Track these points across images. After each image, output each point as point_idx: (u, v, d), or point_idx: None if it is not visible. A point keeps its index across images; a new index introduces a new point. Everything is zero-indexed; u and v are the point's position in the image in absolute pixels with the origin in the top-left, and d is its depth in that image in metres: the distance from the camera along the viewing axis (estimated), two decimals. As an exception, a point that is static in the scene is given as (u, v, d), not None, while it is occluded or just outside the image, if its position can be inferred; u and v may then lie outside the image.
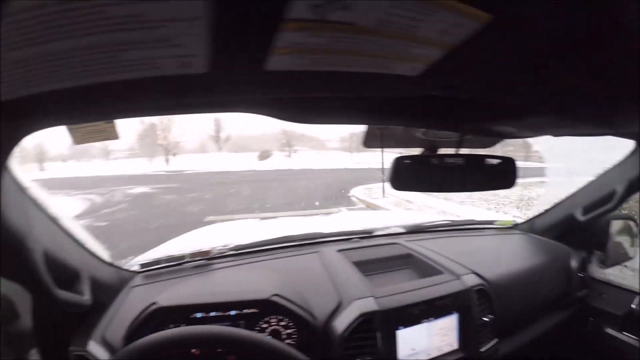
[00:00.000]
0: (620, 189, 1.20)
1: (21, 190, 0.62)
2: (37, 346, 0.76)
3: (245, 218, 1.90)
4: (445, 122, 0.66)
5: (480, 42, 0.32)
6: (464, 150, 0.81)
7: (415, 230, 1.46)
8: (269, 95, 0.50)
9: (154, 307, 0.84)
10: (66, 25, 0.25)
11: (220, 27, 0.27)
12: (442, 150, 0.81)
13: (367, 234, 1.39)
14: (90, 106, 0.45)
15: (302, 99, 0.53)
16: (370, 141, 0.77)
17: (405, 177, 0.75)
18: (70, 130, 0.65)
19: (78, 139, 0.68)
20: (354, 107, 0.57)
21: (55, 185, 12.64)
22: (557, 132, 0.80)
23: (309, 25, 0.28)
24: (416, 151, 0.79)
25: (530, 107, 0.56)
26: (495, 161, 0.80)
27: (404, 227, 1.45)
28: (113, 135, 0.69)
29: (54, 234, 0.75)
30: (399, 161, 0.73)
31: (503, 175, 0.82)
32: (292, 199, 9.03)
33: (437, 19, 0.29)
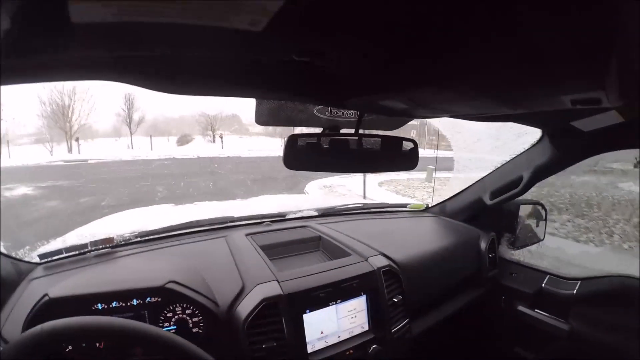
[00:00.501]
0: (527, 175, 1.28)
1: None
2: None
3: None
4: (325, 96, 0.65)
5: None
6: (366, 132, 0.81)
7: (328, 213, 1.47)
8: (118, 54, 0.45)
9: (45, 298, 0.77)
10: None
11: None
12: (344, 131, 0.81)
13: (279, 218, 1.38)
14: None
15: (145, 59, 0.49)
16: (262, 117, 0.75)
17: (300, 156, 0.73)
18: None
19: None
20: (217, 72, 0.54)
21: None
22: (457, 113, 0.82)
23: None
24: (316, 130, 0.77)
25: (425, 82, 0.55)
26: (396, 142, 0.81)
27: (317, 210, 1.45)
28: None
29: None
30: (293, 139, 0.72)
31: (405, 157, 0.83)
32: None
33: None
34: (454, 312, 1.24)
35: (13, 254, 0.97)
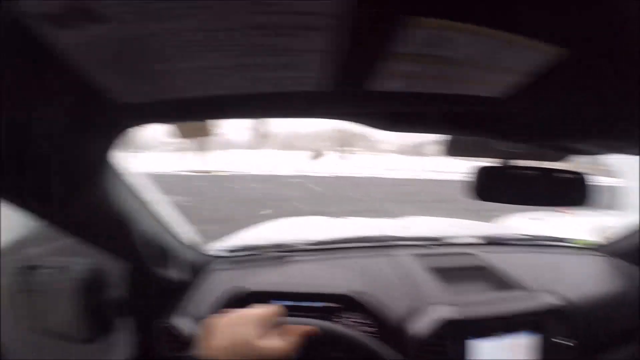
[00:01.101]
0: None
1: (121, 176, 0.69)
2: (128, 315, 0.88)
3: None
4: (524, 135, 0.68)
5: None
6: (534, 163, 0.81)
7: (492, 242, 1.42)
8: (366, 110, 0.56)
9: (239, 290, 0.91)
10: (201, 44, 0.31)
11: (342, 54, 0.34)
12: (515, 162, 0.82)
13: (441, 242, 1.37)
14: (200, 111, 0.50)
15: (398, 112, 0.59)
16: (451, 149, 0.81)
17: (492, 187, 0.76)
18: (178, 127, 0.77)
19: (184, 135, 0.79)
20: (439, 119, 0.62)
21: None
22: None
23: (416, 57, 0.35)
24: (492, 161, 0.80)
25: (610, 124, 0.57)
26: (578, 177, 0.80)
27: (481, 237, 1.42)
28: (210, 132, 0.79)
29: (147, 217, 0.83)
30: (485, 170, 0.76)
31: (581, 192, 0.81)
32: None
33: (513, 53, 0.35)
34: None
35: (197, 246, 1.13)
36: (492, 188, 0.77)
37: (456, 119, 0.62)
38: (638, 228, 1.31)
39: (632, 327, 1.18)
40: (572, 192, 0.82)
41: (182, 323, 0.89)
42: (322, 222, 1.81)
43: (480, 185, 0.76)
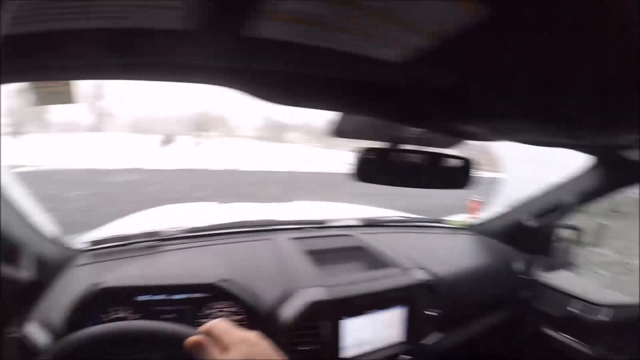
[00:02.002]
0: (570, 200, 1.26)
1: None
2: None
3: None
4: (414, 117, 0.65)
5: (469, 36, 0.32)
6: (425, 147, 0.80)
7: (370, 223, 1.47)
8: (247, 65, 0.46)
9: (95, 287, 0.79)
10: None
11: None
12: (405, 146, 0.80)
13: (322, 224, 1.38)
14: (49, 59, 0.40)
15: (280, 75, 0.50)
16: (339, 130, 0.75)
17: (370, 169, 0.74)
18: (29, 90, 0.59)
19: (37, 100, 0.62)
20: (331, 90, 0.55)
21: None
22: (525, 139, 0.80)
23: None
24: (379, 144, 0.77)
25: (505, 109, 0.55)
26: (455, 161, 0.80)
27: (359, 219, 1.46)
28: (68, 99, 0.63)
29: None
30: (366, 153, 0.72)
31: (460, 175, 0.82)
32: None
33: (428, 6, 0.29)
34: (484, 330, 1.25)
35: (61, 239, 0.98)
36: (372, 170, 0.74)
37: (345, 91, 0.55)
38: (505, 211, 1.46)
39: (498, 297, 1.32)
40: (454, 176, 0.82)
41: (36, 332, 0.75)
42: (203, 208, 1.72)
43: (361, 167, 0.72)
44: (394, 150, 0.75)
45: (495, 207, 1.54)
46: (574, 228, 1.45)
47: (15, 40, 0.32)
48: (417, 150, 0.76)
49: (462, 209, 3.71)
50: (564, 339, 1.29)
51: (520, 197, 1.43)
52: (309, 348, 0.85)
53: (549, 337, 1.32)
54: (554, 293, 1.40)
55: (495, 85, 0.46)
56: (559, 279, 1.44)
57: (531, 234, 1.40)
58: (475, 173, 0.84)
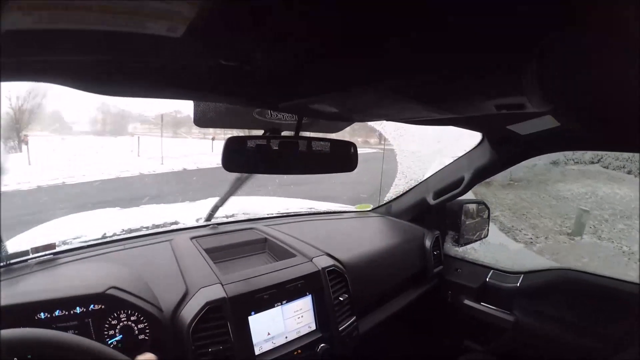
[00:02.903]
0: (467, 176, 1.36)
1: None
2: None
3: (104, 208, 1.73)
4: (260, 99, 0.66)
5: None
6: (307, 135, 0.83)
7: (275, 216, 1.48)
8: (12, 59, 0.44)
9: None
10: None
11: None
12: (285, 134, 0.82)
13: (225, 220, 1.37)
14: None
15: (81, 62, 0.48)
16: (200, 119, 0.75)
17: (238, 158, 0.73)
18: None
19: None
20: (150, 76, 0.53)
21: None
22: (391, 118, 0.86)
23: None
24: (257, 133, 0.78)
25: (350, 86, 0.55)
26: (337, 145, 0.84)
27: (262, 213, 1.47)
28: None
29: None
30: (231, 141, 0.72)
31: (344, 158, 0.86)
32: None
33: None
34: (402, 309, 1.29)
35: None
36: (238, 159, 0.74)
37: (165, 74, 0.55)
38: (406, 190, 1.56)
39: (412, 275, 1.38)
40: (335, 160, 0.85)
41: None
42: (106, 215, 1.65)
43: (228, 156, 0.72)
44: (265, 137, 0.76)
45: (395, 187, 1.62)
46: (479, 202, 1.59)
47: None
48: (292, 137, 0.79)
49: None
50: (482, 307, 1.38)
51: (419, 176, 1.53)
52: (221, 347, 0.82)
53: (468, 306, 1.41)
54: (468, 265, 1.51)
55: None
56: (471, 251, 1.57)
57: (437, 211, 1.49)
58: (356, 155, 0.88)
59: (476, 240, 1.57)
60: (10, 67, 0.45)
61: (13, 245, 1.07)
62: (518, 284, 1.34)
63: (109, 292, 0.80)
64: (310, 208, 1.61)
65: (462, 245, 1.52)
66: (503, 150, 1.26)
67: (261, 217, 1.42)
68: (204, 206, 1.31)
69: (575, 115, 0.77)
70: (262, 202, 1.87)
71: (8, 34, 0.34)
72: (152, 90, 0.60)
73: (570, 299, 1.21)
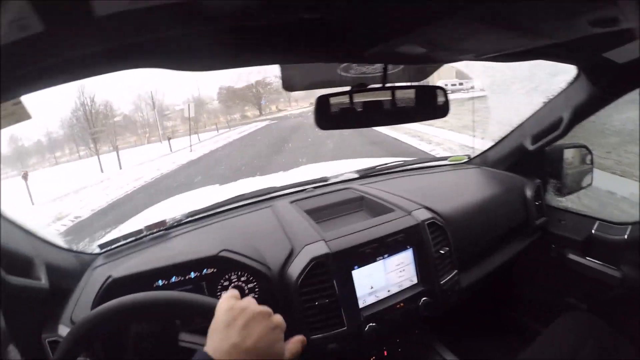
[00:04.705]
0: (566, 116, 1.22)
1: None
2: (12, 341, 0.78)
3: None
4: (343, 51, 0.65)
5: None
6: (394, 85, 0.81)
7: (368, 174, 1.48)
8: (108, 45, 0.46)
9: (109, 280, 0.84)
10: None
11: None
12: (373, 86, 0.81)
13: (321, 183, 1.40)
14: None
15: (186, 44, 0.52)
16: (288, 83, 0.77)
17: (332, 115, 0.75)
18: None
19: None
20: (230, 44, 0.55)
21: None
22: (478, 53, 0.80)
23: None
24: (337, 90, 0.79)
25: (433, 18, 0.53)
26: (425, 91, 0.81)
27: (357, 172, 1.47)
28: (25, 116, 0.66)
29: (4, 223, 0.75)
30: (322, 100, 0.74)
31: (436, 104, 0.83)
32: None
33: None
34: (504, 263, 1.23)
35: (74, 248, 1.05)
36: (332, 115, 0.75)
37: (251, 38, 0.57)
38: (502, 138, 1.43)
39: (512, 228, 1.29)
40: (432, 106, 0.83)
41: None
42: (207, 192, 1.77)
43: (320, 114, 0.74)
44: (354, 91, 0.76)
45: (490, 133, 1.50)
46: (580, 147, 1.41)
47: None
48: (381, 87, 0.78)
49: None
50: (588, 262, 1.25)
51: (514, 121, 1.40)
52: (327, 301, 0.87)
53: (572, 261, 1.29)
54: (572, 216, 1.37)
55: None
56: (574, 200, 1.41)
57: (537, 158, 1.36)
58: (447, 100, 0.84)
59: (580, 189, 1.41)
60: (111, 55, 0.48)
61: (128, 227, 1.25)
62: (626, 236, 1.17)
63: (221, 254, 0.88)
64: (403, 161, 1.57)
65: (565, 195, 1.38)
66: (601, 83, 1.11)
67: (354, 177, 1.44)
68: (295, 173, 1.37)
69: None
70: (355, 162, 1.88)
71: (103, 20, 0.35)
72: (238, 59, 0.63)
73: None
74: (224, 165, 9.68)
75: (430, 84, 0.88)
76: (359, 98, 0.77)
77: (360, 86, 0.80)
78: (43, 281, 0.82)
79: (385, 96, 0.78)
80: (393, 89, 0.77)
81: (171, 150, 16.18)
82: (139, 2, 0.35)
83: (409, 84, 0.82)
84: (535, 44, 0.69)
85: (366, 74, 0.81)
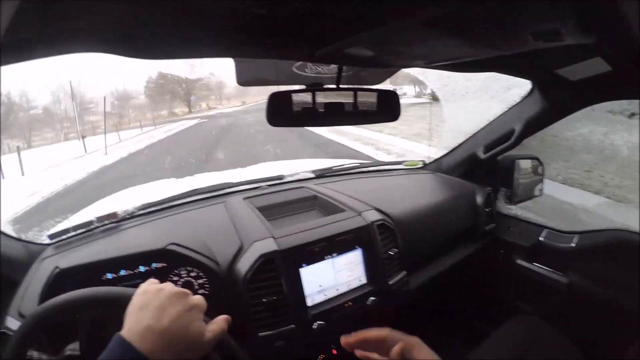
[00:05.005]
0: (518, 128, 1.28)
1: None
2: None
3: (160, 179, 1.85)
4: (295, 49, 0.66)
5: None
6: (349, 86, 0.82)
7: (324, 174, 1.50)
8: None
9: (56, 271, 0.81)
10: None
11: None
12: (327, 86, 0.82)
13: (276, 181, 1.41)
14: None
15: (137, 28, 0.51)
16: (242, 78, 0.77)
17: (283, 112, 0.75)
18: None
19: None
20: (186, 34, 0.55)
21: None
22: (428, 60, 0.82)
23: None
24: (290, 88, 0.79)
25: (379, 20, 0.54)
26: (377, 94, 0.83)
27: (313, 171, 1.49)
28: None
29: None
30: (274, 96, 0.74)
31: (386, 108, 0.85)
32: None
33: None
34: (452, 266, 1.27)
35: (23, 237, 1.01)
36: (282, 113, 0.75)
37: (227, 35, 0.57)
38: (457, 145, 1.49)
39: (462, 232, 1.35)
40: (384, 109, 0.85)
41: (15, 324, 0.77)
42: (163, 185, 1.74)
43: (271, 110, 0.74)
44: (307, 90, 0.77)
45: (444, 142, 1.55)
46: (532, 158, 1.49)
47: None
48: (334, 88, 0.79)
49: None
50: (535, 268, 1.32)
51: (468, 130, 1.45)
52: (274, 298, 0.87)
53: (520, 266, 1.35)
54: (520, 223, 1.44)
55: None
56: (523, 209, 1.48)
57: (488, 166, 1.42)
58: (398, 104, 0.87)
59: (530, 198, 1.49)
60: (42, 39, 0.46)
61: (79, 218, 1.20)
62: (573, 244, 1.25)
63: (169, 247, 0.87)
64: (359, 163, 1.60)
65: (515, 204, 1.45)
66: (554, 99, 1.16)
67: (310, 177, 1.45)
68: (252, 170, 1.35)
69: (625, 54, 0.68)
70: (310, 162, 1.89)
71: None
72: (189, 50, 0.62)
73: (630, 262, 1.11)
74: (143, 175, 8.05)
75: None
76: (315, 97, 0.77)
77: (314, 86, 0.81)
78: None
79: (339, 97, 0.79)
80: (349, 89, 0.79)
81: (86, 151, 14.25)
82: None
83: (362, 86, 0.83)
84: (485, 55, 0.71)
85: (320, 73, 0.82)
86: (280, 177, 1.42)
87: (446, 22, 0.52)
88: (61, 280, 0.80)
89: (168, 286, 0.50)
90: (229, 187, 1.32)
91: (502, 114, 1.34)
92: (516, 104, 1.30)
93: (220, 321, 0.53)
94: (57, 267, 0.82)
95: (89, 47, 0.54)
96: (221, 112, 40.59)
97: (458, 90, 1.34)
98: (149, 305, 0.46)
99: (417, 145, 7.71)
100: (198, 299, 0.51)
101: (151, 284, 0.51)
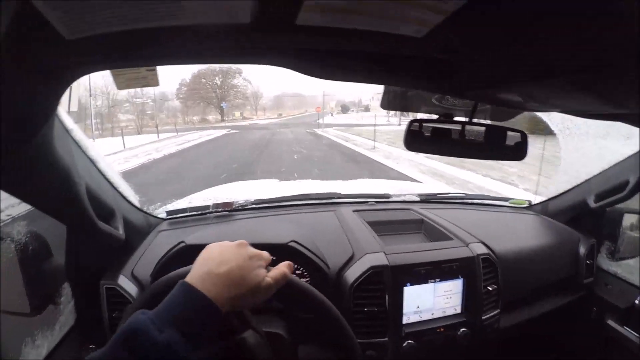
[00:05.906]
0: (633, 180, 1.21)
1: (66, 130, 0.68)
2: (69, 280, 0.86)
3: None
4: (449, 87, 0.71)
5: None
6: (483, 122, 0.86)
7: (430, 199, 1.51)
8: (296, 47, 0.54)
9: (182, 245, 0.92)
10: None
11: None
12: (458, 119, 0.87)
13: (383, 199, 1.45)
14: (135, 51, 0.46)
15: (324, 53, 0.59)
16: (386, 102, 0.84)
17: (418, 139, 0.81)
18: (114, 76, 0.69)
19: (121, 85, 0.71)
20: (366, 65, 0.61)
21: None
22: (565, 109, 0.83)
23: None
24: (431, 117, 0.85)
25: (537, 77, 0.56)
26: (507, 133, 0.85)
27: (419, 195, 1.51)
28: (154, 82, 0.72)
29: (93, 174, 0.82)
30: (413, 123, 0.80)
31: (514, 147, 0.87)
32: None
33: None
34: (544, 314, 1.22)
35: (145, 209, 1.14)
36: (420, 139, 0.81)
37: (385, 63, 0.64)
38: (568, 189, 1.43)
39: (559, 281, 1.29)
40: (509, 148, 0.87)
41: (127, 283, 0.89)
42: (269, 185, 1.85)
43: (409, 136, 0.80)
44: (445, 121, 0.82)
45: (556, 185, 1.48)
46: None
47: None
48: (468, 122, 0.83)
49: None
50: (625, 332, 1.22)
51: (583, 175, 1.38)
52: (375, 309, 0.91)
53: (610, 327, 1.25)
54: (619, 282, 1.33)
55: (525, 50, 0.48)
56: (625, 267, 1.37)
57: (596, 216, 1.35)
58: (526, 145, 0.88)
59: (633, 257, 1.38)
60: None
61: (195, 200, 1.33)
62: None
63: (291, 244, 0.94)
64: (465, 194, 1.60)
65: (617, 260, 1.35)
66: None
67: (416, 200, 1.48)
68: (358, 184, 1.42)
69: None
70: (416, 185, 1.91)
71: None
72: (358, 76, 0.68)
73: None
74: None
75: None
76: (446, 128, 0.82)
77: (446, 117, 0.86)
78: (120, 232, 0.91)
79: (470, 131, 0.82)
80: (478, 125, 0.82)
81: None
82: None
83: (494, 123, 0.87)
84: (619, 112, 0.72)
85: (455, 106, 0.86)
86: (386, 196, 1.46)
87: (591, 82, 0.54)
88: (184, 254, 0.89)
89: (229, 242, 0.55)
90: (338, 198, 1.39)
91: (618, 163, 1.27)
92: (633, 154, 1.23)
93: (282, 266, 0.56)
94: (182, 242, 0.92)
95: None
96: (255, 123, 41.52)
97: (578, 135, 1.30)
98: (211, 254, 0.52)
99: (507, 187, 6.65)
100: (259, 251, 0.56)
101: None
